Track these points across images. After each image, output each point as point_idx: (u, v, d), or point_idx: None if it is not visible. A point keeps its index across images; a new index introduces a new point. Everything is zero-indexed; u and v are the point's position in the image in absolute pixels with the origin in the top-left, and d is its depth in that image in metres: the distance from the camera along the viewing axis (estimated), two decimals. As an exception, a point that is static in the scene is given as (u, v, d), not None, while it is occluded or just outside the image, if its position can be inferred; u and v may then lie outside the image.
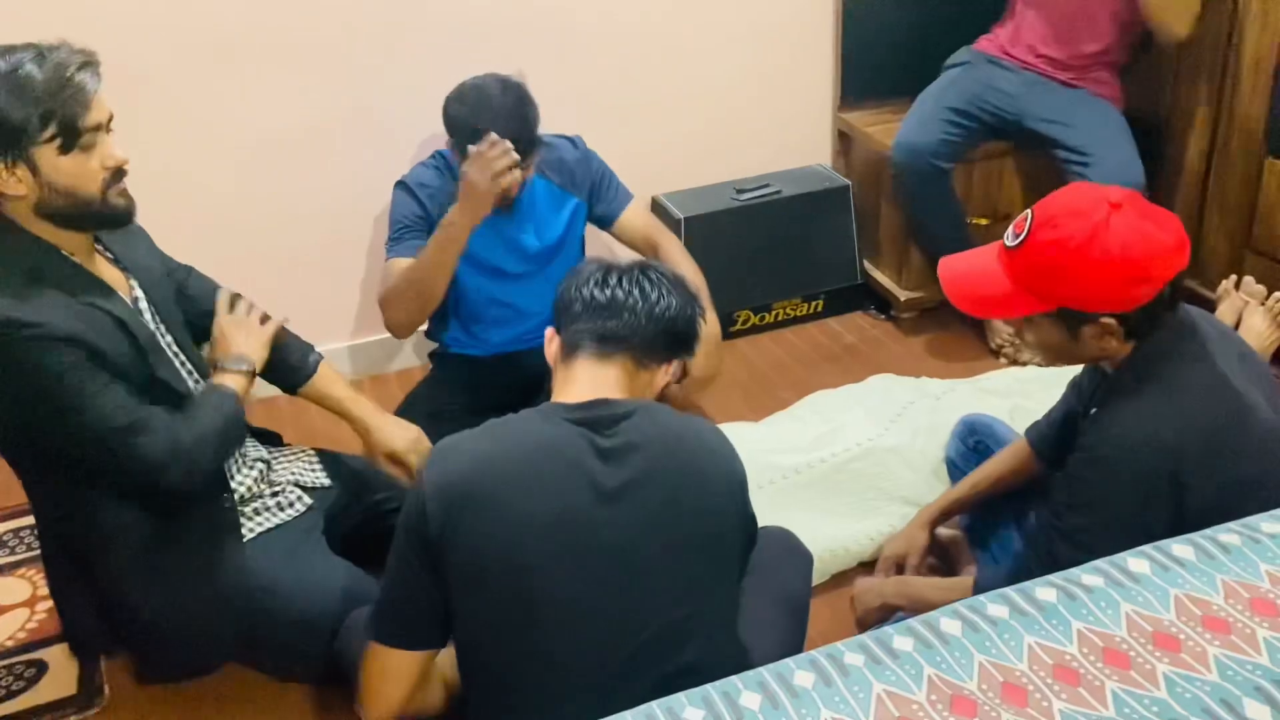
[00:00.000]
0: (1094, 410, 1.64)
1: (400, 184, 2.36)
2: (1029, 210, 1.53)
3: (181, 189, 2.60)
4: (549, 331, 1.55)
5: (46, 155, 1.56)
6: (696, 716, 1.18)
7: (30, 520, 2.25)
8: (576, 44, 2.84)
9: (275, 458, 2.05)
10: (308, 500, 1.99)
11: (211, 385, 1.83)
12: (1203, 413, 1.51)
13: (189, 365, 1.87)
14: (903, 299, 3.04)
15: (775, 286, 3.11)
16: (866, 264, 3.18)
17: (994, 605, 1.32)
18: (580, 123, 2.88)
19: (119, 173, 1.65)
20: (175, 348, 1.85)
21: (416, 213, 2.31)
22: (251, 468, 1.96)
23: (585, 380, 1.46)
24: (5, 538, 2.35)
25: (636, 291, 1.48)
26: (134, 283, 1.81)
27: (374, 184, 2.69)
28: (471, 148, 2.12)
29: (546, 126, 2.28)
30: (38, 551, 2.07)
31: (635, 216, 2.51)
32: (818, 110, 3.18)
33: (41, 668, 2.02)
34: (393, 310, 2.26)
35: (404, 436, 2.03)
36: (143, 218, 1.76)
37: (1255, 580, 1.32)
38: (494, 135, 2.10)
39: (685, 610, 1.39)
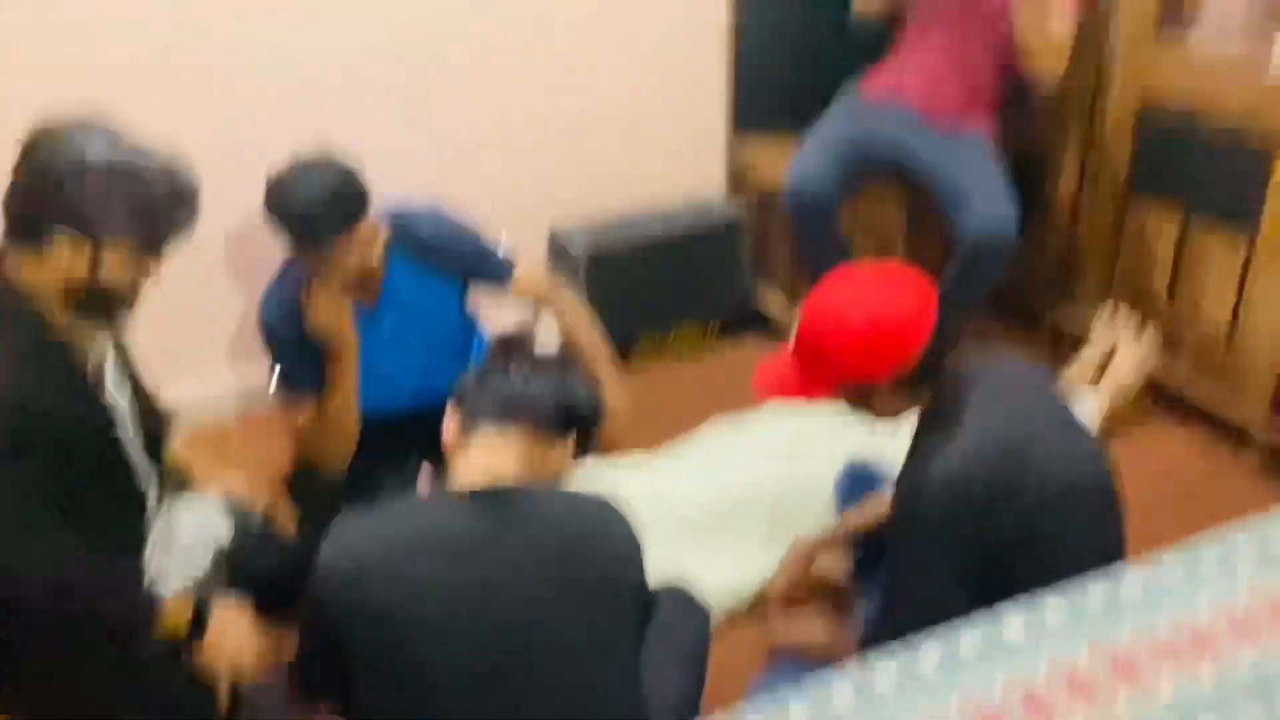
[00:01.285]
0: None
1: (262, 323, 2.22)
2: (797, 310, 1.65)
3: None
4: (450, 406, 1.58)
5: (117, 251, 1.57)
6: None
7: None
8: (461, 77, 2.82)
9: (176, 509, 1.96)
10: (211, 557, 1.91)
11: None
12: (974, 463, 1.53)
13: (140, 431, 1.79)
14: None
15: (670, 316, 3.15)
16: (761, 291, 3.24)
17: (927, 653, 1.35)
18: (471, 155, 2.87)
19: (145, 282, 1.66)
20: (130, 413, 1.77)
21: (292, 343, 2.18)
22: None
23: (482, 457, 1.50)
24: None
25: (540, 373, 1.57)
26: (109, 345, 1.75)
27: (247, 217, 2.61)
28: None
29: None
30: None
31: (519, 285, 2.37)
32: (711, 140, 3.23)
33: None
34: (332, 451, 2.22)
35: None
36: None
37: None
38: None
39: (583, 681, 1.42)
